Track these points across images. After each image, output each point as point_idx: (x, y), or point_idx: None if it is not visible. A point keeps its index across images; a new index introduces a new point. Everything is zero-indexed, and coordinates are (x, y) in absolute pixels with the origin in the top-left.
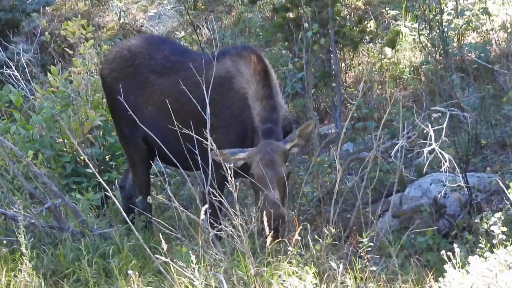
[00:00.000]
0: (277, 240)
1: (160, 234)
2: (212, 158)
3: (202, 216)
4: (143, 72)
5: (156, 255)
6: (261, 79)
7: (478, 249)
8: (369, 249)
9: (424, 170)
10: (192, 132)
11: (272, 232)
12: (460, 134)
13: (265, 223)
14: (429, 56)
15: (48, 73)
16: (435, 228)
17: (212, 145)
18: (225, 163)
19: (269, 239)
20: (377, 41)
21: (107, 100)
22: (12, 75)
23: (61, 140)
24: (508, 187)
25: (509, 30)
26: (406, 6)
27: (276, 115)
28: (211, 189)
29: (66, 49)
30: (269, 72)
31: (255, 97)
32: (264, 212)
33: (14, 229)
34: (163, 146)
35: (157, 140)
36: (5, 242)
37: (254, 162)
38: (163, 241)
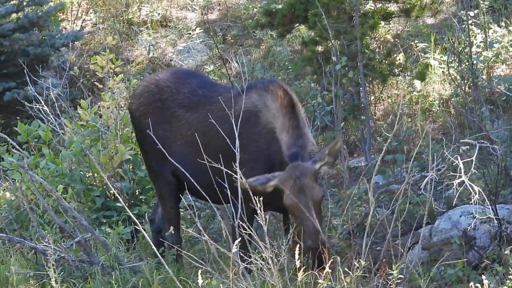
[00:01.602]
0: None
1: (191, 267)
2: (241, 188)
3: (234, 250)
4: (171, 107)
5: None
6: (287, 112)
7: (508, 281)
8: (399, 281)
9: (454, 202)
10: (221, 166)
11: (316, 261)
12: (489, 166)
13: (308, 254)
14: (459, 88)
15: (78, 107)
16: (465, 260)
17: (241, 178)
18: (254, 195)
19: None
20: (406, 74)
21: (136, 134)
22: (41, 109)
23: (90, 174)
24: None
25: None
26: (435, 39)
27: (302, 141)
28: (240, 222)
29: (96, 83)
30: (296, 106)
31: (282, 128)
32: (307, 244)
33: (44, 263)
34: (192, 180)
35: (187, 174)
36: (35, 276)
37: (286, 190)
38: (199, 276)
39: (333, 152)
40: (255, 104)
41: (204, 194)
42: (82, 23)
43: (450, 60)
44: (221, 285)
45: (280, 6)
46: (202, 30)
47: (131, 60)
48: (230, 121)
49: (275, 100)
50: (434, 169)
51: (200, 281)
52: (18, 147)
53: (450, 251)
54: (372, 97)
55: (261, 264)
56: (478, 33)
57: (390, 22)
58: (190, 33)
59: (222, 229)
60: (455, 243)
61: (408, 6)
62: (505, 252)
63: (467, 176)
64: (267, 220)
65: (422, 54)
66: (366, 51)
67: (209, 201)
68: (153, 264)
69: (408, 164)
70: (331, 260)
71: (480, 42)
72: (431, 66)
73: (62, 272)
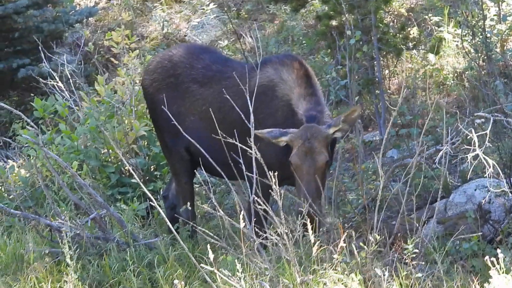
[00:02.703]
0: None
1: (205, 243)
2: (257, 164)
3: (242, 224)
4: (185, 82)
5: (202, 265)
6: (303, 82)
7: None
8: (414, 255)
9: (469, 176)
10: (236, 141)
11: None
12: (504, 140)
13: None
14: (472, 62)
15: (95, 83)
16: (480, 234)
17: (256, 154)
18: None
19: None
20: (420, 48)
21: (149, 110)
22: (56, 86)
23: (105, 150)
24: None
25: None
26: (448, 12)
27: (320, 107)
28: (256, 198)
29: (111, 59)
30: (312, 77)
31: (299, 97)
32: (298, 206)
33: (59, 240)
34: (207, 155)
35: (201, 150)
36: (50, 253)
37: (294, 149)
38: (209, 251)
39: (350, 119)
40: (271, 79)
41: (219, 169)
42: None
43: (464, 34)
44: (236, 260)
45: None
46: (216, 5)
47: (145, 36)
48: (245, 96)
49: (291, 72)
50: (448, 143)
51: (211, 255)
52: (32, 124)
53: (465, 225)
54: (386, 71)
55: (276, 239)
56: (492, 6)
57: None
58: (204, 9)
59: (237, 205)
60: (470, 217)
61: None
62: None
63: (481, 150)
64: (282, 195)
65: (436, 28)
66: (380, 25)
67: (224, 177)
68: (168, 240)
69: (423, 138)
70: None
71: (493, 15)
72: (445, 39)
73: (78, 249)
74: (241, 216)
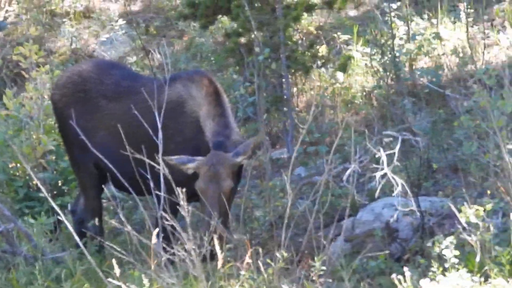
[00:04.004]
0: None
1: (113, 258)
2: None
3: (154, 240)
4: (94, 97)
5: (109, 279)
6: (212, 100)
7: (430, 273)
8: (322, 273)
9: (376, 194)
10: (144, 156)
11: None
12: (412, 159)
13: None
14: (381, 80)
15: (4, 97)
16: (387, 252)
17: (164, 170)
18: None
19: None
20: (329, 66)
21: (58, 125)
22: None
23: (13, 164)
24: (459, 211)
25: (460, 55)
26: (357, 31)
27: (228, 131)
28: (163, 214)
29: (21, 73)
30: (221, 94)
31: (207, 116)
32: (201, 230)
33: None
34: (115, 171)
35: (109, 165)
36: None
37: (200, 174)
38: (115, 266)
39: (256, 147)
40: (180, 95)
41: (127, 185)
42: (5, 13)
43: (373, 52)
44: (143, 276)
45: None
46: (125, 21)
47: (54, 51)
48: (154, 112)
49: (200, 89)
50: (356, 161)
51: (117, 270)
52: None
53: (372, 243)
54: (295, 89)
55: (184, 255)
56: (401, 25)
57: (313, 13)
58: (112, 25)
59: (145, 220)
60: (378, 235)
61: None
62: (427, 244)
63: (389, 168)
64: (190, 211)
65: (345, 46)
66: (289, 42)
67: (132, 192)
68: (76, 255)
69: (331, 156)
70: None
71: (402, 34)
72: (354, 58)
73: None
74: (154, 233)
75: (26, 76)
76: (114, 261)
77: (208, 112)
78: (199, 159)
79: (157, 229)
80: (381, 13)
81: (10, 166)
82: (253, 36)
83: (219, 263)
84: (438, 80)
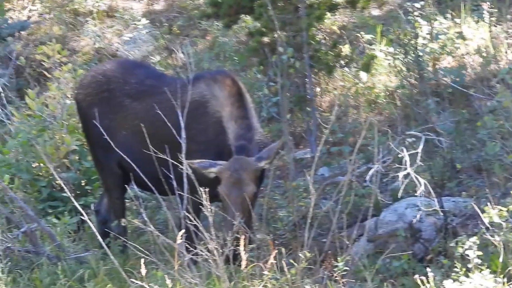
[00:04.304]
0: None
1: (136, 258)
2: (188, 179)
3: (179, 241)
4: (118, 97)
5: (132, 279)
6: (235, 101)
7: (453, 274)
8: (344, 273)
9: (400, 194)
10: (167, 156)
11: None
12: (435, 159)
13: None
14: (404, 80)
15: (26, 97)
16: (410, 252)
17: (188, 170)
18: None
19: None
20: (352, 66)
21: (82, 124)
22: None
23: (37, 164)
24: (483, 211)
25: (484, 54)
26: (381, 30)
27: (250, 134)
28: (186, 214)
29: (44, 73)
30: (244, 95)
31: (230, 117)
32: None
33: None
34: (138, 170)
35: (132, 164)
36: None
37: (223, 180)
38: (142, 266)
39: (279, 150)
40: (203, 94)
41: (150, 185)
42: (28, 13)
43: (396, 52)
44: (166, 276)
45: None
46: (148, 20)
47: (77, 50)
48: (177, 111)
49: (223, 89)
50: (379, 161)
51: (143, 270)
52: None
53: (395, 244)
54: (318, 89)
55: (207, 255)
56: (424, 25)
57: (336, 13)
58: (136, 24)
59: (168, 220)
60: (401, 235)
61: None
62: (450, 245)
63: (412, 168)
64: (213, 211)
65: (368, 46)
66: (312, 42)
67: (155, 192)
68: (99, 255)
69: (354, 156)
70: (275, 251)
71: (426, 33)
72: (377, 57)
73: (9, 263)
74: (180, 234)
75: (49, 75)
76: (142, 261)
77: (230, 114)
78: (221, 164)
79: (182, 230)
80: (404, 12)
81: (33, 166)
82: (276, 35)
83: (243, 263)
84: (461, 79)
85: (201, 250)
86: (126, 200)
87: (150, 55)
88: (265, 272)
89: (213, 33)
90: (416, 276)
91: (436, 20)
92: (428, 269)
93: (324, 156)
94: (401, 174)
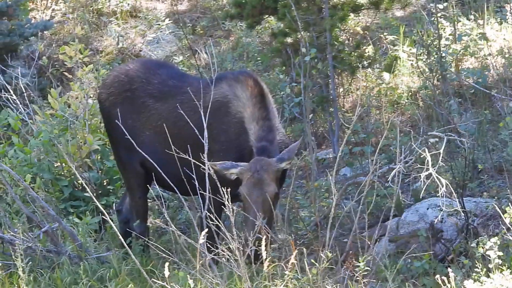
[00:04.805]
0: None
1: (159, 259)
2: (210, 179)
3: (202, 241)
4: (141, 97)
5: (153, 279)
6: (257, 102)
7: (474, 274)
8: (366, 273)
9: (421, 195)
10: (189, 156)
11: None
12: (457, 159)
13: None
14: (427, 81)
15: (49, 96)
16: (431, 252)
17: (209, 169)
18: (222, 186)
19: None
20: (375, 66)
21: (105, 124)
22: (10, 99)
23: (59, 164)
24: (504, 212)
25: (506, 55)
26: (404, 31)
27: (272, 135)
28: (208, 214)
29: (65, 73)
30: (266, 95)
31: (251, 118)
32: (245, 235)
33: (12, 253)
34: (160, 170)
35: (155, 164)
36: (2, 266)
37: (244, 180)
38: (166, 268)
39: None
40: (225, 94)
41: (172, 185)
42: (51, 12)
43: (419, 53)
44: (188, 276)
45: None
46: (172, 21)
47: (100, 50)
48: (200, 111)
49: (245, 90)
50: (401, 162)
51: (166, 272)
52: None
53: (417, 244)
54: (341, 89)
55: (228, 255)
56: (447, 26)
57: (360, 14)
58: (159, 24)
59: (190, 220)
60: (422, 235)
61: None
62: (472, 245)
63: (434, 169)
64: (235, 211)
65: (391, 47)
66: (335, 43)
67: (177, 192)
68: (121, 255)
69: (376, 156)
70: (296, 251)
71: (449, 35)
72: (400, 58)
73: (30, 262)
74: (203, 233)
75: (71, 76)
76: (166, 264)
77: (252, 115)
78: (243, 165)
79: (205, 230)
80: (427, 13)
81: (55, 165)
82: (299, 36)
83: (264, 263)
84: (484, 80)
85: (222, 250)
86: (148, 200)
87: (174, 55)
88: (286, 272)
89: (237, 34)
90: (437, 276)
91: (459, 21)
92: (449, 269)
93: (346, 156)
94: (423, 175)
